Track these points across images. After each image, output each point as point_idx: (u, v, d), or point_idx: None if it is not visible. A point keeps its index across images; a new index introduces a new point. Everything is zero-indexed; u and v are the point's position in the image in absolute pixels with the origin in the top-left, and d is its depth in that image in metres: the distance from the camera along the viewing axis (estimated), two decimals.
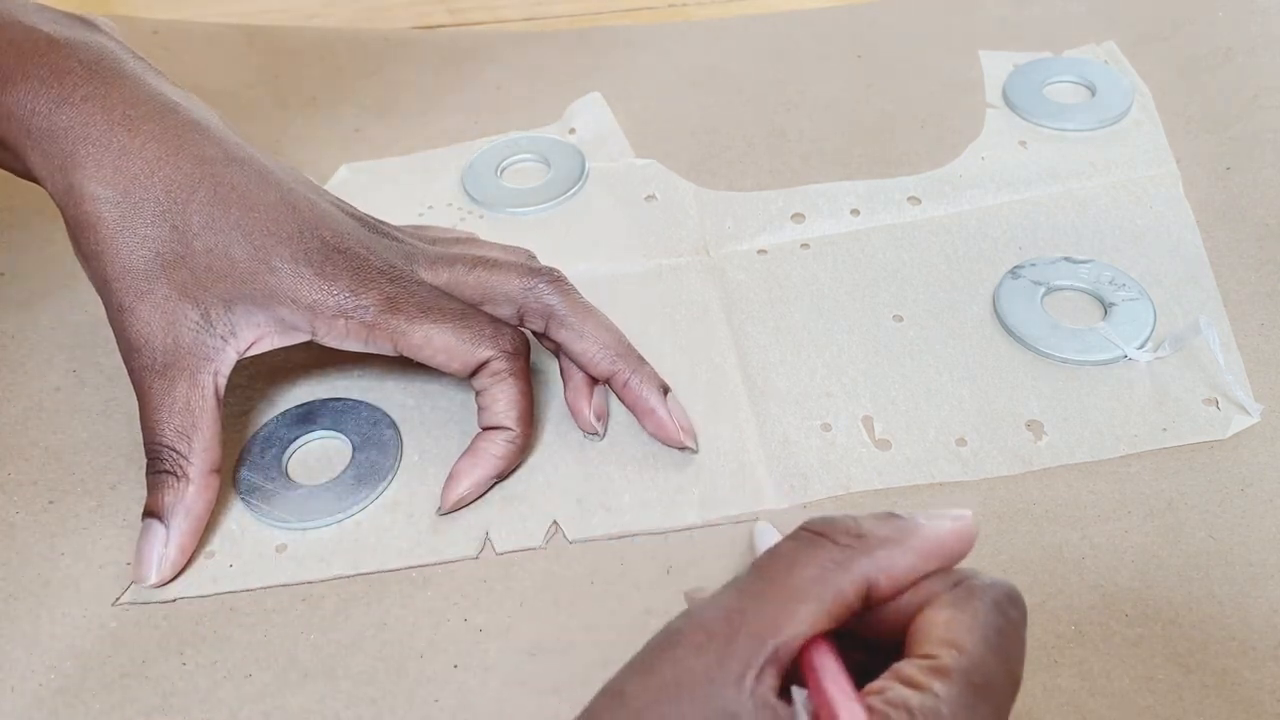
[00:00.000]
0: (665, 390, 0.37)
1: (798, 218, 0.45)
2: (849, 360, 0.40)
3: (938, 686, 0.21)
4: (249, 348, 0.35)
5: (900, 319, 0.41)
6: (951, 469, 0.36)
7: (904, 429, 0.37)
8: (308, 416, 0.38)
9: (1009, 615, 0.23)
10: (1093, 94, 0.50)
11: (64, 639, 0.33)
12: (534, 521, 0.35)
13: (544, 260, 0.45)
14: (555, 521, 0.35)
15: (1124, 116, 0.49)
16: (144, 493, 0.35)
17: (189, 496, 0.34)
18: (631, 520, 0.35)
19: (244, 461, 0.37)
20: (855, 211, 0.45)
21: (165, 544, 0.34)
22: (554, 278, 0.37)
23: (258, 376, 0.40)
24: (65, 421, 0.39)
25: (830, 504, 0.35)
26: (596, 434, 0.37)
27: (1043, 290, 0.41)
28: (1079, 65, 0.52)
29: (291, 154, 0.51)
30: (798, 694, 0.21)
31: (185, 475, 0.34)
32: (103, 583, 0.34)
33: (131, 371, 0.35)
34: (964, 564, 0.24)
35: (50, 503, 0.37)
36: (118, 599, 0.34)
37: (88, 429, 0.39)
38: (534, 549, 0.35)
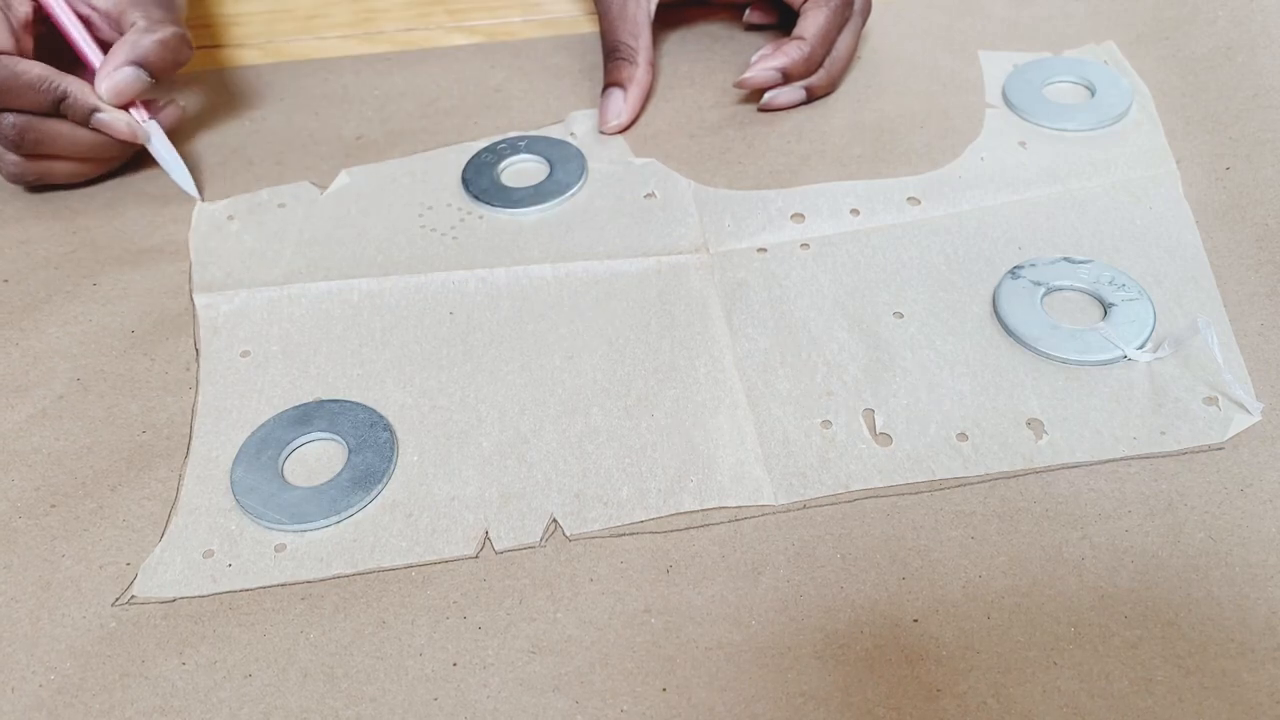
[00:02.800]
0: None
1: (797, 217, 0.45)
2: (849, 356, 0.40)
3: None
4: None
5: (900, 316, 0.41)
6: (953, 464, 0.36)
7: (905, 424, 0.37)
8: (304, 418, 0.38)
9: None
10: (1092, 94, 0.50)
11: (64, 640, 0.33)
12: (532, 519, 0.35)
13: (544, 258, 0.45)
14: (554, 518, 0.35)
15: (1124, 117, 0.49)
16: (143, 493, 0.37)
17: (639, 74, 0.51)
18: (629, 513, 0.35)
19: (240, 463, 0.37)
20: (855, 211, 0.45)
21: (623, 102, 0.50)
22: None
23: (255, 376, 0.40)
24: (68, 428, 0.39)
25: (828, 503, 0.35)
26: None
27: (1042, 291, 0.41)
28: (1079, 65, 0.52)
29: (293, 160, 0.51)
30: None
31: (635, 61, 0.51)
32: (102, 584, 0.34)
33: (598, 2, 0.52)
34: None
35: (52, 507, 0.37)
36: (117, 599, 0.34)
37: (91, 435, 0.39)
38: (533, 547, 0.35)
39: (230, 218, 0.48)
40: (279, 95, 0.55)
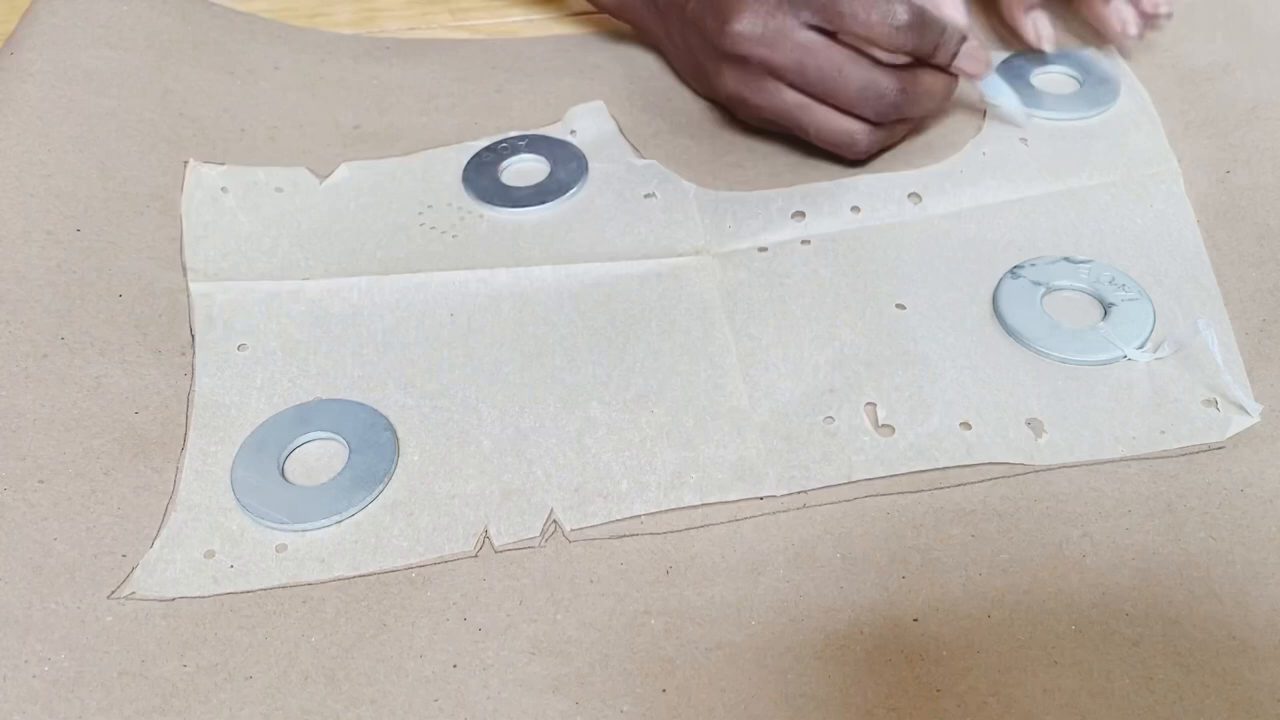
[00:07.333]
0: None
1: (798, 215, 0.45)
2: (851, 349, 0.40)
3: None
4: None
5: (903, 308, 0.41)
6: (955, 453, 0.36)
7: (907, 414, 0.37)
8: (305, 418, 0.38)
9: None
10: (1080, 83, 0.51)
11: (58, 630, 0.33)
12: (531, 515, 0.35)
13: (545, 260, 0.44)
14: (553, 514, 0.35)
15: (1115, 100, 0.49)
16: (138, 482, 0.36)
17: None
18: (628, 506, 0.35)
19: (240, 462, 0.37)
20: (856, 209, 0.45)
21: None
22: None
23: (253, 372, 0.40)
24: (54, 393, 0.38)
25: (828, 501, 0.35)
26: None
27: (1042, 290, 0.41)
28: (1062, 55, 0.52)
29: (290, 148, 0.50)
30: None
31: None
32: (98, 574, 0.34)
33: None
34: None
35: (40, 482, 0.36)
36: (114, 592, 0.34)
37: (78, 406, 0.38)
38: (533, 547, 0.35)
39: (224, 189, 0.47)
40: (274, 63, 0.54)
